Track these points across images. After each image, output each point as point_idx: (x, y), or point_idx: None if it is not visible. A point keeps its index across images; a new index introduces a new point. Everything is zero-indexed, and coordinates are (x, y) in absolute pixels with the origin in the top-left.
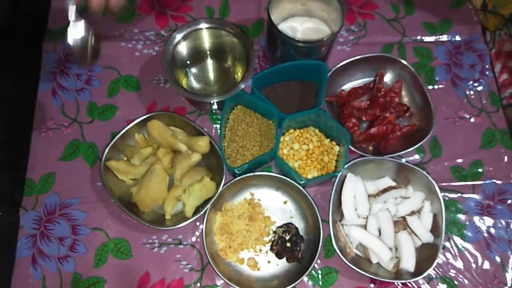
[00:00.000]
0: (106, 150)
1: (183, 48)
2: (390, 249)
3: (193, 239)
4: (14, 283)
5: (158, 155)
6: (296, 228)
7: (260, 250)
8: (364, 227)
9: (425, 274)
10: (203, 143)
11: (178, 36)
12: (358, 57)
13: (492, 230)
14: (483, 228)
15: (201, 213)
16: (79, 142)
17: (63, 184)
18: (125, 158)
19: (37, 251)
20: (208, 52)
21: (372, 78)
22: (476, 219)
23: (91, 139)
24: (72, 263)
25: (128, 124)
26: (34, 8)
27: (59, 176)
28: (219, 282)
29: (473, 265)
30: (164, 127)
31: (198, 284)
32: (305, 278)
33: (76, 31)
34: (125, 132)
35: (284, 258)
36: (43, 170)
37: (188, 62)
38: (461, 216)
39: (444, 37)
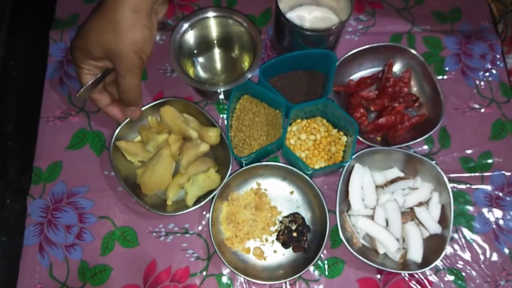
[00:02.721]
0: (117, 130)
1: (190, 37)
2: (397, 240)
3: (200, 228)
4: (22, 270)
5: (169, 141)
6: (303, 218)
7: (266, 240)
8: (371, 217)
9: (432, 265)
10: (213, 134)
11: (185, 25)
12: (366, 46)
13: (501, 222)
14: (492, 219)
15: (203, 203)
16: (86, 131)
17: (70, 172)
18: (137, 139)
19: (44, 239)
20: (215, 41)
21: (381, 68)
22: (484, 210)
23: (98, 128)
24: (79, 251)
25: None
26: None
27: (66, 164)
28: (225, 271)
29: (481, 257)
30: (177, 113)
31: (204, 273)
32: (311, 268)
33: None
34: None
35: (290, 248)
36: (50, 159)
37: (195, 51)
38: (470, 208)
39: (454, 27)
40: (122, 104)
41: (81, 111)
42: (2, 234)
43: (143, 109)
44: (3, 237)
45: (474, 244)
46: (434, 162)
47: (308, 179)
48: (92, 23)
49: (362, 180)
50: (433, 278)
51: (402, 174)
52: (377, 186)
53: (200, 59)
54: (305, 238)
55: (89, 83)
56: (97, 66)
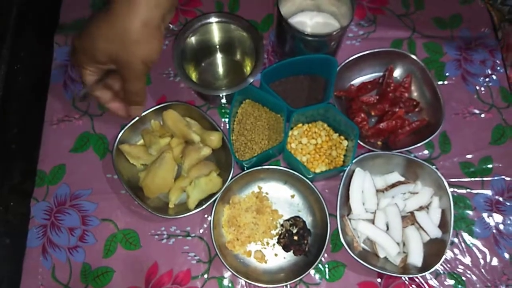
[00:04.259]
0: (121, 134)
1: (193, 42)
2: (398, 244)
3: (201, 231)
4: (25, 272)
5: (171, 144)
6: (304, 222)
7: (268, 243)
8: (372, 221)
9: (432, 270)
10: (215, 138)
11: (188, 31)
12: (367, 52)
13: (501, 227)
14: (492, 224)
15: (205, 206)
16: (90, 134)
17: (73, 175)
18: (139, 143)
19: (47, 241)
20: (217, 46)
21: (381, 73)
22: (485, 215)
23: (102, 131)
24: (81, 253)
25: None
26: (46, 1)
27: (69, 167)
28: (226, 274)
29: (481, 261)
30: (179, 117)
31: (206, 276)
32: (312, 272)
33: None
34: (142, 117)
35: (291, 251)
36: (54, 162)
37: (198, 56)
38: (470, 212)
39: (455, 33)
40: (125, 102)
41: (85, 114)
42: (5, 236)
43: (145, 113)
44: (6, 239)
45: (474, 248)
46: (434, 166)
47: (309, 183)
48: (100, 29)
49: (363, 184)
50: (433, 282)
51: (402, 179)
52: (377, 190)
53: (203, 64)
54: (306, 241)
55: (92, 82)
56: (101, 68)
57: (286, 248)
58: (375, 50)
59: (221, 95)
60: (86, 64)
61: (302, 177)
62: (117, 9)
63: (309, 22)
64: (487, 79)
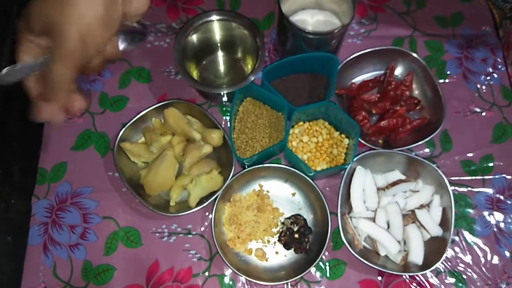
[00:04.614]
0: (122, 132)
1: (194, 40)
2: (399, 242)
3: (202, 229)
4: (26, 270)
5: (172, 142)
6: (305, 220)
7: (268, 241)
8: (373, 220)
9: (433, 268)
10: (216, 136)
11: (189, 28)
12: (368, 50)
13: (502, 225)
14: (493, 222)
15: (206, 204)
16: (91, 132)
17: (74, 173)
18: (140, 140)
19: (48, 238)
20: (218, 44)
21: (382, 71)
22: (485, 213)
23: (103, 129)
24: (82, 250)
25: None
26: None
27: (71, 165)
28: (227, 272)
29: (482, 260)
30: (180, 115)
31: (207, 273)
32: (312, 270)
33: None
34: (143, 115)
35: (292, 249)
36: (55, 159)
37: (199, 54)
38: (471, 211)
39: (456, 31)
40: (42, 95)
41: (86, 112)
42: (7, 233)
43: (147, 111)
44: (8, 236)
45: (475, 247)
46: (435, 165)
47: (310, 181)
48: None
49: (364, 183)
50: (434, 280)
51: (403, 177)
52: (378, 189)
53: (204, 62)
54: (306, 239)
55: (23, 62)
56: (38, 45)
57: (287, 246)
58: (376, 48)
59: (222, 93)
60: (22, 35)
61: (303, 175)
62: None
63: (310, 20)
64: (488, 78)
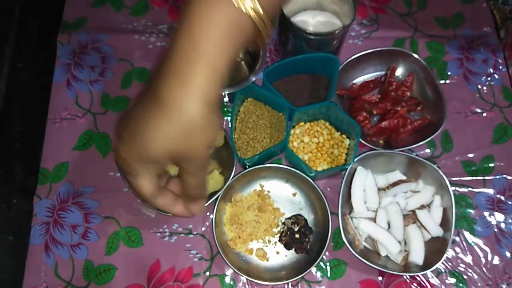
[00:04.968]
0: None
1: None
2: (399, 242)
3: (203, 229)
4: (28, 269)
5: None
6: (305, 220)
7: (269, 241)
8: (374, 220)
9: (433, 268)
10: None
11: None
12: (369, 51)
13: (503, 225)
14: (493, 223)
15: (207, 204)
16: (93, 132)
17: (76, 173)
18: None
19: (50, 238)
20: None
21: (383, 72)
22: (486, 214)
23: (105, 130)
24: (84, 250)
25: None
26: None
27: (72, 165)
28: (228, 272)
29: (483, 260)
30: None
31: (207, 273)
32: (313, 270)
33: None
34: None
35: (293, 249)
36: (57, 159)
37: None
38: (471, 211)
39: (457, 32)
40: (185, 198)
41: (88, 112)
42: (8, 233)
43: None
44: (9, 236)
45: (475, 247)
46: (436, 165)
47: (311, 181)
48: (151, 126)
49: (365, 183)
50: (434, 280)
51: (404, 177)
52: (379, 189)
53: None
54: (307, 239)
55: (152, 192)
56: (158, 172)
57: (287, 246)
58: (377, 49)
59: (223, 94)
60: (142, 173)
61: (304, 175)
62: (169, 93)
63: (311, 21)
64: (489, 78)
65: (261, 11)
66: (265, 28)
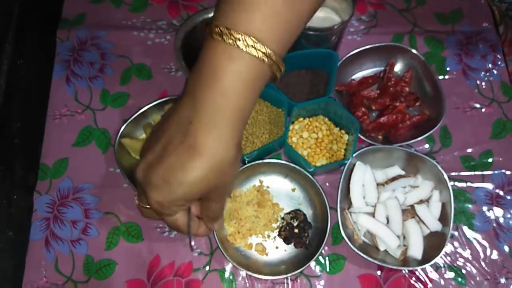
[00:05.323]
0: (123, 128)
1: (194, 37)
2: (398, 237)
3: None
4: (28, 265)
5: None
6: (304, 215)
7: (268, 236)
8: (372, 215)
9: (432, 262)
10: None
11: (190, 25)
12: (368, 46)
13: (501, 220)
14: (492, 218)
15: None
16: (92, 128)
17: (76, 169)
18: (141, 137)
19: (50, 233)
20: None
21: (382, 68)
22: (485, 209)
23: (104, 126)
24: (84, 245)
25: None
26: None
27: (72, 161)
28: (227, 267)
29: (482, 255)
30: None
31: (207, 268)
32: (312, 264)
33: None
34: (144, 112)
35: (292, 244)
36: (57, 156)
37: (199, 51)
38: (470, 206)
39: (456, 28)
40: (206, 220)
41: (87, 109)
42: (9, 229)
43: (147, 107)
44: (9, 232)
45: (474, 242)
46: (435, 160)
47: (310, 176)
48: (187, 173)
49: (363, 178)
50: (433, 275)
51: (403, 172)
52: (378, 184)
53: None
54: (306, 234)
55: (187, 223)
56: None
57: (286, 241)
58: (376, 45)
59: None
60: (179, 211)
61: (303, 170)
62: (204, 141)
63: None
64: (487, 74)
65: (272, 55)
66: (278, 67)
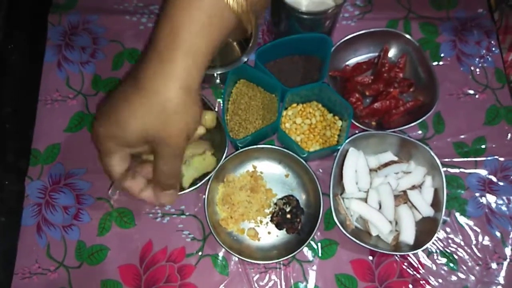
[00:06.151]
0: None
1: None
2: (390, 222)
3: (195, 209)
4: (20, 250)
5: None
6: (297, 201)
7: (261, 221)
8: (365, 200)
9: (424, 248)
10: (209, 118)
11: None
12: (362, 31)
13: (494, 206)
14: (485, 204)
15: (199, 185)
16: (84, 114)
17: (68, 154)
18: None
19: (42, 219)
20: None
21: (376, 54)
22: (477, 195)
23: (95, 111)
24: (76, 231)
25: None
26: None
27: (64, 146)
28: (220, 252)
29: (474, 240)
30: None
31: (200, 253)
32: (305, 249)
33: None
34: None
35: (284, 230)
36: (48, 141)
37: None
38: (463, 192)
39: (451, 14)
40: (156, 186)
41: (79, 94)
42: (0, 214)
43: None
44: (1, 217)
45: (466, 227)
46: (428, 146)
47: (303, 162)
48: (130, 107)
49: (356, 164)
50: (425, 260)
51: (396, 158)
52: (371, 170)
53: None
54: (299, 220)
55: (122, 173)
56: (130, 154)
57: (279, 226)
58: (370, 30)
59: (215, 74)
60: (114, 152)
61: (297, 156)
62: (148, 78)
63: (304, 1)
64: (482, 60)
65: (243, 3)
66: (247, 20)
